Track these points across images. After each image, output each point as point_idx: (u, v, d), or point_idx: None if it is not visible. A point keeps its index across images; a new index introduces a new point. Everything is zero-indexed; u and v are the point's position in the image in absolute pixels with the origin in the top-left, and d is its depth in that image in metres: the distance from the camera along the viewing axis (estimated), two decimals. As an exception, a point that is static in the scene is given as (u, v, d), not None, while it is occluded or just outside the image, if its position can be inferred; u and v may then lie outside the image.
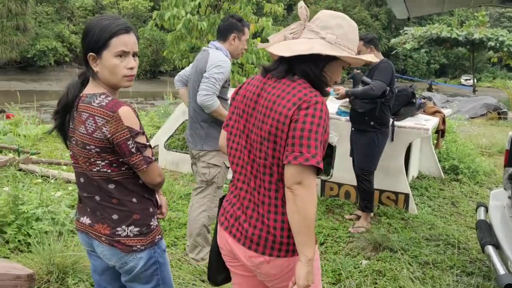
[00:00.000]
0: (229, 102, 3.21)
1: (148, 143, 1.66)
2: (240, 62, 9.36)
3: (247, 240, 1.57)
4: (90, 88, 1.65)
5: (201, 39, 9.61)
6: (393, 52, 32.13)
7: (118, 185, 1.67)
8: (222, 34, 3.13)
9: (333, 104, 5.16)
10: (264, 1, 10.67)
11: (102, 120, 1.56)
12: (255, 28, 9.85)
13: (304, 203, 1.40)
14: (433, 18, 37.49)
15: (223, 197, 1.81)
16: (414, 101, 4.81)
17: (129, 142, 1.58)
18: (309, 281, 1.44)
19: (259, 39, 10.40)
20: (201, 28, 8.98)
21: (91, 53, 1.60)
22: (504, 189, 3.49)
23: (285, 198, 1.48)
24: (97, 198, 1.69)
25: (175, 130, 5.87)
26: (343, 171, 4.69)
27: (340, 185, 4.81)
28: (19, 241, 3.26)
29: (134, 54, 1.65)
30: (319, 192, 4.84)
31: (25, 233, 3.28)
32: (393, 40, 29.16)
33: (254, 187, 1.58)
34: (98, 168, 1.64)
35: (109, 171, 1.64)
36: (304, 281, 1.43)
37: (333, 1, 48.13)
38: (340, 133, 4.71)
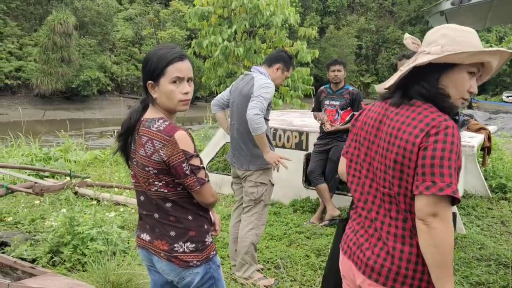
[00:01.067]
0: (269, 123, 3.33)
1: (201, 165, 1.74)
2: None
3: (367, 268, 1.50)
4: (150, 113, 1.77)
5: (238, 65, 9.88)
6: (430, 71, 31.62)
7: (175, 204, 1.76)
8: (270, 60, 3.30)
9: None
10: (297, 26, 10.85)
11: (159, 144, 1.66)
12: (289, 52, 10.02)
13: (441, 236, 1.32)
14: (470, 35, 36.73)
15: (345, 222, 1.76)
16: (457, 118, 4.72)
17: (183, 165, 1.67)
18: None
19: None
20: (237, 54, 9.23)
21: (149, 81, 1.73)
22: (558, 206, 3.37)
23: (413, 229, 1.41)
24: (156, 215, 1.78)
25: (216, 153, 6.02)
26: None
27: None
28: (75, 260, 3.42)
29: (189, 80, 1.75)
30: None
31: (81, 252, 3.44)
32: (429, 59, 28.73)
33: (376, 217, 1.51)
34: (156, 188, 1.74)
35: (166, 191, 1.73)
36: None
37: (366, 22, 48.22)
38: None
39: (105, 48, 34.23)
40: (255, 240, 3.24)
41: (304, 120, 5.96)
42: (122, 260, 3.32)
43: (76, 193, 5.29)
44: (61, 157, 7.27)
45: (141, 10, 38.69)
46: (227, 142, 5.76)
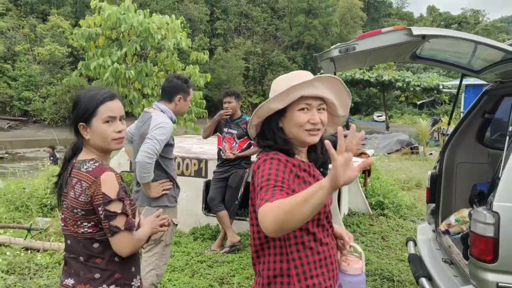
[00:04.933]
0: (173, 161, 3.27)
1: (120, 211, 1.68)
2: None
3: None
4: (83, 155, 1.77)
5: (128, 87, 9.59)
6: (311, 93, 33.92)
7: (102, 245, 1.72)
8: (167, 95, 3.17)
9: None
10: (190, 49, 10.93)
11: (86, 184, 1.67)
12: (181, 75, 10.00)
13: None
14: (345, 61, 40.38)
15: None
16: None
17: (99, 208, 1.66)
18: None
19: (186, 85, 10.54)
20: (128, 76, 8.99)
21: (81, 123, 1.73)
22: (428, 223, 3.88)
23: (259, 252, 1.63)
24: (81, 258, 1.73)
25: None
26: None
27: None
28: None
29: (121, 118, 1.78)
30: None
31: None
32: (310, 82, 30.90)
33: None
34: (84, 230, 1.70)
35: (93, 231, 1.70)
36: None
37: (252, 45, 50.26)
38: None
39: (-29, 63, 30.62)
40: (155, 281, 3.15)
41: (202, 147, 6.01)
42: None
43: None
44: None
45: (14, 23, 35.49)
46: (122, 171, 5.55)
